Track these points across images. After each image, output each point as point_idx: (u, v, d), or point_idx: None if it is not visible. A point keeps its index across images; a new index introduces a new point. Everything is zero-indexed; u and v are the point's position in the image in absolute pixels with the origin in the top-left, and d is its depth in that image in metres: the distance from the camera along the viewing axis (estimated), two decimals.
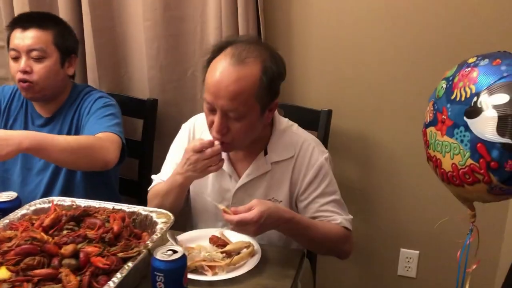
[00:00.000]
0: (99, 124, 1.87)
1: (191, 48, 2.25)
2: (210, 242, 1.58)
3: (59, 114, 2.00)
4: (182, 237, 1.62)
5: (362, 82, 2.21)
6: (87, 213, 1.44)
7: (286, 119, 1.74)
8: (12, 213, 1.48)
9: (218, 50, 1.55)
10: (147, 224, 1.47)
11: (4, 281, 1.17)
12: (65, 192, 1.93)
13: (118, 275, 1.20)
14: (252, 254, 1.52)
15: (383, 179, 2.31)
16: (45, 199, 1.56)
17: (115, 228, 1.35)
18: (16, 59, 1.90)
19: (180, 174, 1.59)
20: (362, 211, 2.36)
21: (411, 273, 2.42)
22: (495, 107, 1.08)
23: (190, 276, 1.40)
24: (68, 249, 1.24)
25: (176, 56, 2.28)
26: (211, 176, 1.69)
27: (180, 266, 1.26)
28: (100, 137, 1.80)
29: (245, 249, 1.52)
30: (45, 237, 1.28)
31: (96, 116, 1.90)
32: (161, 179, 1.77)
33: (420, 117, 1.38)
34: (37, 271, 1.20)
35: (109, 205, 1.52)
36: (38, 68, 1.89)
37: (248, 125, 1.53)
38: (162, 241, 1.42)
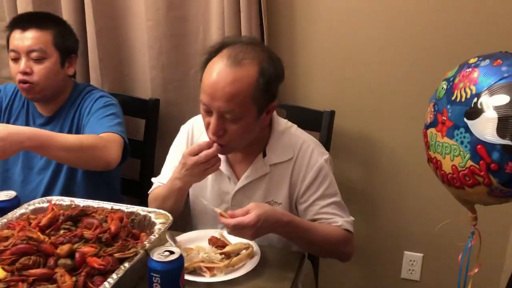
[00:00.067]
0: (101, 124, 1.86)
1: (194, 48, 2.24)
2: (209, 243, 1.58)
3: (60, 114, 2.00)
4: (181, 237, 1.61)
5: (365, 83, 2.19)
6: (84, 213, 1.43)
7: (285, 120, 1.73)
8: (11, 212, 1.48)
9: (215, 51, 1.53)
10: (146, 225, 1.47)
11: None
12: (66, 192, 1.92)
13: (114, 275, 1.19)
14: (251, 256, 1.51)
15: (386, 180, 2.29)
16: (44, 199, 1.56)
17: (113, 228, 1.34)
18: (16, 60, 1.90)
19: (179, 179, 1.58)
20: (365, 212, 2.35)
21: (414, 276, 2.40)
22: (495, 108, 1.06)
23: (188, 277, 1.40)
24: (64, 249, 1.24)
25: (179, 56, 2.27)
26: (210, 178, 1.67)
27: (176, 267, 1.25)
28: (102, 137, 1.79)
29: (244, 251, 1.51)
30: (41, 236, 1.28)
31: (97, 116, 1.89)
32: (160, 182, 1.77)
33: (423, 117, 1.37)
34: (32, 271, 1.19)
35: (107, 205, 1.52)
36: (38, 69, 1.89)
37: (244, 127, 1.52)
38: (160, 242, 1.41)
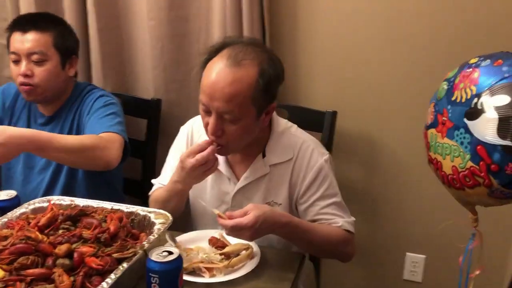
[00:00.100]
0: (101, 124, 1.86)
1: (196, 48, 2.24)
2: (209, 244, 1.57)
3: (61, 113, 2.00)
4: (181, 238, 1.61)
5: (366, 83, 2.19)
6: (84, 212, 1.43)
7: (285, 120, 1.72)
8: (11, 211, 1.48)
9: (215, 51, 1.53)
10: (146, 225, 1.47)
11: None
12: (66, 191, 1.92)
13: (112, 275, 1.19)
14: (251, 257, 1.50)
15: (388, 181, 2.28)
16: (44, 198, 1.56)
17: (112, 228, 1.34)
18: (16, 62, 1.89)
19: (179, 182, 1.58)
20: (366, 213, 2.34)
21: (417, 277, 2.39)
22: (496, 108, 1.05)
23: (187, 277, 1.39)
24: (62, 249, 1.23)
25: (181, 56, 2.26)
26: (210, 179, 1.67)
27: (175, 267, 1.25)
28: (102, 137, 1.79)
29: (244, 251, 1.50)
30: (40, 236, 1.28)
31: (97, 116, 1.89)
32: (160, 184, 1.77)
33: (425, 118, 1.36)
34: (30, 271, 1.19)
35: (107, 205, 1.52)
36: (39, 71, 1.88)
37: (243, 128, 1.51)
38: (159, 242, 1.41)
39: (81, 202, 1.52)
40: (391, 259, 2.40)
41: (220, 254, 1.50)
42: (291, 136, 1.67)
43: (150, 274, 1.22)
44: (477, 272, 1.32)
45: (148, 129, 2.29)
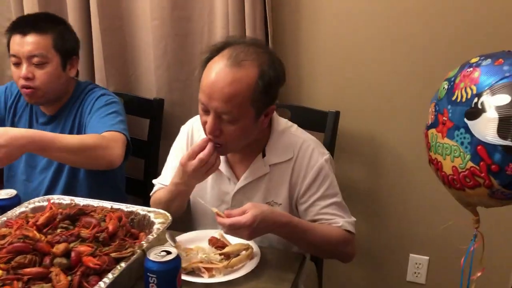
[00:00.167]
0: (103, 123, 1.85)
1: (198, 48, 2.24)
2: (209, 244, 1.56)
3: (62, 112, 1.99)
4: (181, 237, 1.60)
5: (369, 83, 2.18)
6: (83, 212, 1.43)
7: (286, 120, 1.71)
8: (11, 210, 1.48)
9: (216, 50, 1.52)
10: (145, 224, 1.46)
11: None
12: (68, 191, 1.92)
13: (110, 275, 1.18)
14: (250, 257, 1.49)
15: (391, 182, 2.27)
16: (44, 197, 1.56)
17: (110, 227, 1.33)
18: (17, 64, 1.89)
19: (182, 184, 1.58)
20: (370, 214, 2.33)
21: (420, 279, 2.37)
22: (496, 108, 1.04)
23: (186, 277, 1.39)
24: (59, 248, 1.23)
25: (183, 56, 2.27)
26: (210, 179, 1.66)
27: (173, 267, 1.24)
28: (105, 136, 1.78)
29: (244, 251, 1.49)
30: (38, 235, 1.27)
31: (99, 115, 1.88)
32: (161, 184, 1.76)
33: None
34: (27, 270, 1.18)
35: (107, 204, 1.51)
36: (40, 74, 1.88)
37: (241, 129, 1.50)
38: (159, 242, 1.40)
39: (81, 201, 1.52)
40: (394, 260, 2.39)
41: (220, 254, 1.49)
42: (291, 135, 1.66)
43: (148, 274, 1.22)
44: (479, 274, 1.31)
45: (151, 129, 2.29)
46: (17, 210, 1.48)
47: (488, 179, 1.08)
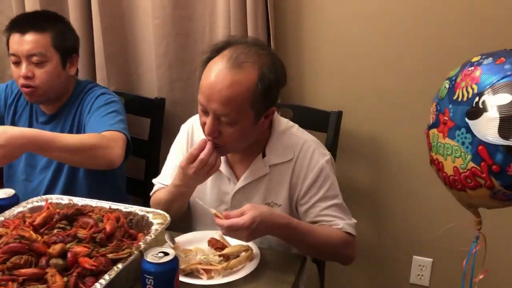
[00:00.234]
0: (103, 122, 1.84)
1: (200, 47, 2.23)
2: (208, 245, 1.55)
3: (62, 112, 1.99)
4: (180, 238, 1.59)
5: (372, 83, 2.16)
6: (80, 212, 1.41)
7: (286, 120, 1.70)
8: (9, 210, 1.47)
9: (216, 50, 1.50)
10: (144, 225, 1.45)
11: None
12: (67, 191, 1.92)
13: (106, 276, 1.17)
14: (250, 258, 1.48)
15: (394, 183, 2.25)
16: (42, 197, 1.55)
17: (108, 228, 1.32)
18: (17, 63, 1.88)
19: (182, 186, 1.57)
20: (372, 215, 2.31)
21: (424, 281, 2.36)
22: (497, 107, 1.02)
23: (184, 279, 1.38)
24: (56, 248, 1.22)
25: (185, 55, 2.26)
26: (209, 179, 1.64)
27: (170, 269, 1.23)
28: (105, 136, 1.77)
29: (243, 253, 1.48)
30: (34, 235, 1.26)
31: (98, 114, 1.87)
32: (161, 183, 1.75)
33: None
34: (23, 271, 1.17)
35: (105, 204, 1.50)
36: (40, 73, 1.87)
37: (240, 131, 1.49)
38: (157, 243, 1.39)
39: (80, 201, 1.51)
40: (398, 262, 2.37)
41: (219, 256, 1.48)
42: (291, 136, 1.64)
43: (145, 275, 1.20)
44: (481, 277, 1.29)
45: (152, 128, 2.28)
46: (15, 210, 1.47)
47: (489, 179, 1.06)
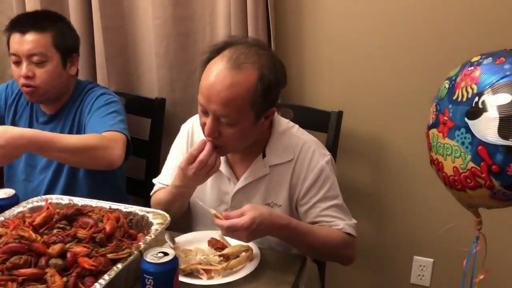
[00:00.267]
0: (103, 123, 1.84)
1: (200, 47, 2.22)
2: (208, 245, 1.55)
3: (62, 112, 1.99)
4: (180, 238, 1.59)
5: (373, 83, 2.16)
6: (80, 212, 1.41)
7: (287, 120, 1.69)
8: (9, 210, 1.47)
9: (216, 50, 1.49)
10: (144, 225, 1.45)
11: None
12: (67, 191, 1.91)
13: (106, 276, 1.16)
14: (250, 258, 1.48)
15: (395, 183, 2.25)
16: (43, 197, 1.55)
17: (108, 228, 1.32)
18: (17, 63, 1.88)
19: (182, 187, 1.56)
20: (373, 216, 2.31)
21: (424, 281, 2.35)
22: (497, 107, 1.02)
23: (184, 279, 1.37)
24: (55, 248, 1.21)
25: (185, 55, 2.25)
26: (209, 179, 1.63)
27: (170, 269, 1.22)
28: (105, 136, 1.77)
29: (243, 253, 1.48)
30: (33, 235, 1.26)
31: (99, 114, 1.87)
32: (161, 183, 1.75)
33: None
34: (22, 271, 1.17)
35: (106, 204, 1.50)
36: (40, 73, 1.87)
37: (240, 132, 1.48)
38: (157, 243, 1.39)
39: (80, 201, 1.51)
40: (398, 262, 2.36)
41: (219, 256, 1.47)
42: (292, 136, 1.64)
43: (144, 275, 1.20)
44: (481, 277, 1.29)
45: (152, 128, 2.28)
46: (15, 210, 1.47)
47: (489, 179, 1.06)
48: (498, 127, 1.01)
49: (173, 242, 1.52)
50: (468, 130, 1.07)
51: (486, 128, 1.04)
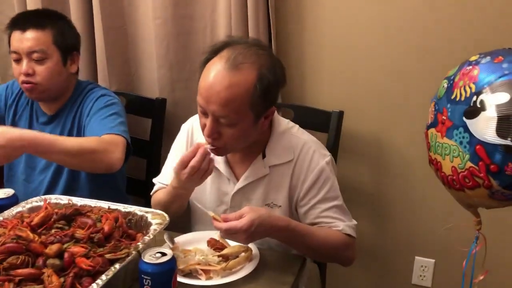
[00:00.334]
0: (103, 125, 1.84)
1: (201, 47, 2.21)
2: (207, 245, 1.54)
3: (62, 112, 1.98)
4: (180, 239, 1.58)
5: (374, 83, 2.15)
6: (79, 212, 1.41)
7: (287, 120, 1.69)
8: (8, 210, 1.47)
9: (215, 51, 1.49)
10: (143, 225, 1.44)
11: None
12: (67, 192, 1.90)
13: (103, 277, 1.16)
14: (249, 259, 1.47)
15: (396, 183, 2.24)
16: (41, 197, 1.55)
17: (106, 228, 1.32)
18: (17, 61, 1.88)
19: (179, 188, 1.55)
20: (374, 215, 2.30)
21: (426, 282, 2.34)
22: (495, 106, 1.01)
23: (182, 280, 1.37)
24: (53, 248, 1.22)
25: (186, 55, 2.25)
26: (209, 179, 1.62)
27: (168, 269, 1.22)
28: (104, 139, 1.77)
29: (242, 253, 1.47)
30: (31, 235, 1.26)
31: (98, 117, 1.87)
32: (161, 183, 1.75)
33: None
34: (19, 271, 1.17)
35: (105, 204, 1.50)
36: (40, 70, 1.87)
37: (240, 132, 1.47)
38: (155, 243, 1.39)
39: (79, 201, 1.51)
40: (400, 263, 2.36)
41: (218, 256, 1.47)
42: (292, 137, 1.63)
43: (142, 275, 1.20)
44: (481, 277, 1.28)
45: (153, 128, 2.28)
46: (14, 210, 1.47)
47: (487, 179, 1.05)
48: (496, 126, 1.01)
49: (172, 242, 1.52)
50: (466, 129, 1.07)
51: (484, 127, 1.03)
